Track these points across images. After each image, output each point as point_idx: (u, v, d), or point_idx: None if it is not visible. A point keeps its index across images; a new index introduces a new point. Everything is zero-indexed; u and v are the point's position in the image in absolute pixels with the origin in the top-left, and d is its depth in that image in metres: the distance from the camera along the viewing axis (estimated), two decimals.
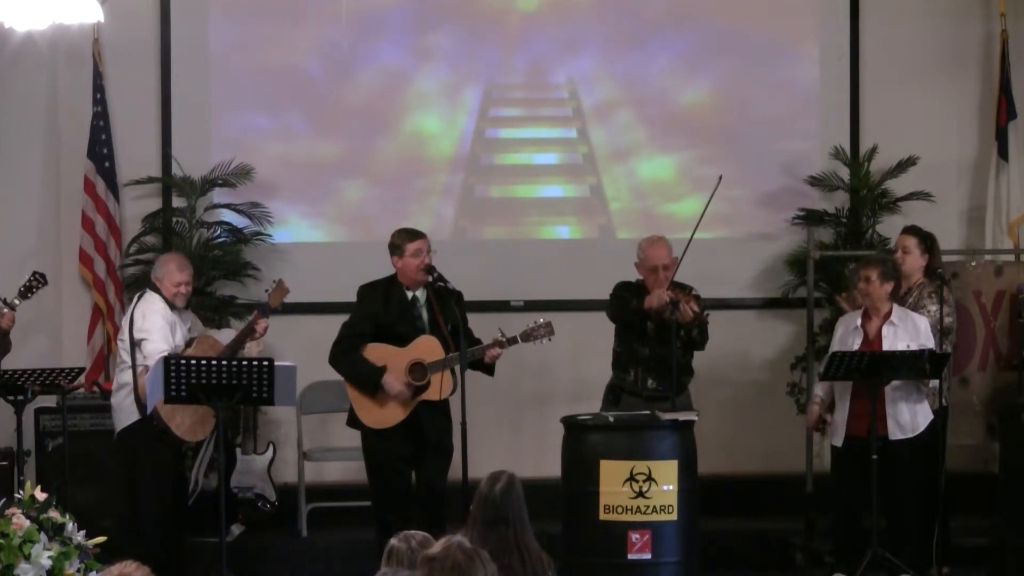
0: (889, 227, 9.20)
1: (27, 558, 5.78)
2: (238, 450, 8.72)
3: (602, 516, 7.18)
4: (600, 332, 8.21)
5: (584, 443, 7.39)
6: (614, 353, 8.08)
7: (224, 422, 7.57)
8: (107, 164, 9.19)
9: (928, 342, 7.64)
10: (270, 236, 9.35)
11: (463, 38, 9.64)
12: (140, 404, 7.54)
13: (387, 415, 7.61)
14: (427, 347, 7.60)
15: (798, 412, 8.90)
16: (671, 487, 7.19)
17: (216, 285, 9.18)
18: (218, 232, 9.27)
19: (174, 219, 9.30)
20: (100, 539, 6.10)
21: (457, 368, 7.50)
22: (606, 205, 9.68)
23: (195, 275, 8.07)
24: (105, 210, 9.16)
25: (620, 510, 7.17)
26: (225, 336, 7.99)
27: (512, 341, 7.66)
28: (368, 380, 7.59)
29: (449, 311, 7.58)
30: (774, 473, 9.25)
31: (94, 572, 5.87)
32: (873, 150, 9.41)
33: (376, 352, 7.63)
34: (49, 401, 8.28)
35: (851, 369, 7.51)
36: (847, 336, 7.78)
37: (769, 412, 9.32)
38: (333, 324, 7.85)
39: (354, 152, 9.56)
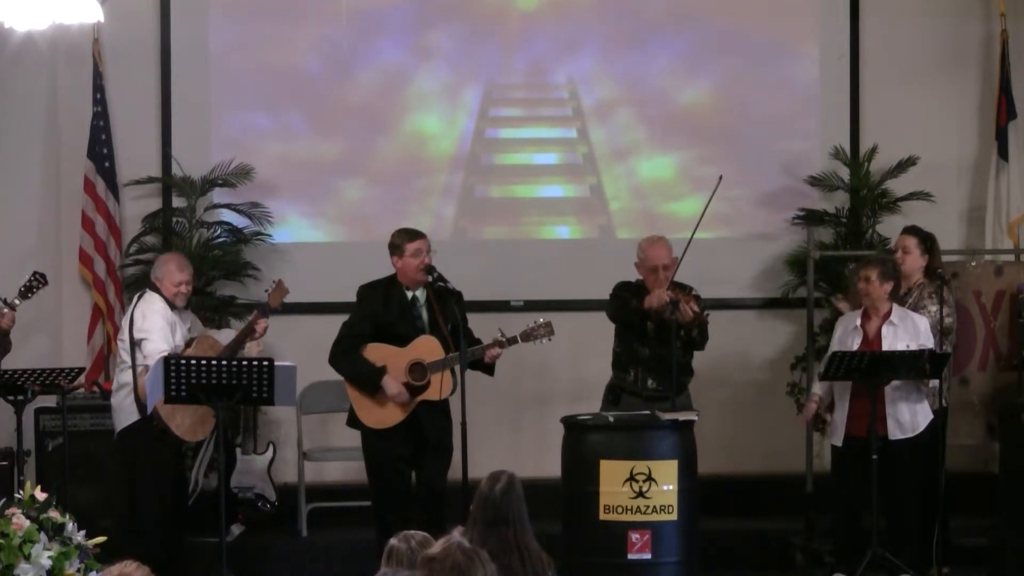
0: (889, 227, 9.20)
1: (27, 558, 5.78)
2: (238, 450, 8.72)
3: (602, 516, 7.18)
4: (600, 332, 8.21)
5: (584, 443, 7.39)
6: (614, 353, 8.08)
7: (224, 422, 7.57)
8: (107, 164, 9.19)
9: (928, 342, 7.64)
10: (270, 236, 9.35)
11: (463, 38, 9.64)
12: (140, 404, 7.54)
13: (387, 415, 7.61)
14: (427, 347, 7.60)
15: (798, 412, 8.88)
16: (671, 487, 7.19)
17: (216, 285, 9.18)
18: (218, 232, 9.27)
19: (174, 219, 9.30)
20: (100, 539, 6.11)
21: (457, 368, 7.50)
22: (606, 205, 9.68)
23: (195, 275, 8.07)
24: (105, 210, 9.16)
25: (620, 510, 7.17)
26: (225, 336, 8.00)
27: (512, 341, 7.66)
28: (368, 380, 7.59)
29: (449, 311, 7.58)
30: (774, 473, 9.25)
31: (94, 572, 5.88)
32: (873, 150, 9.41)
33: (376, 352, 7.63)
34: (49, 401, 8.28)
35: (851, 369, 7.51)
36: (846, 336, 7.77)
37: (769, 412, 9.32)
38: (333, 324, 7.85)
39: (354, 152, 9.56)
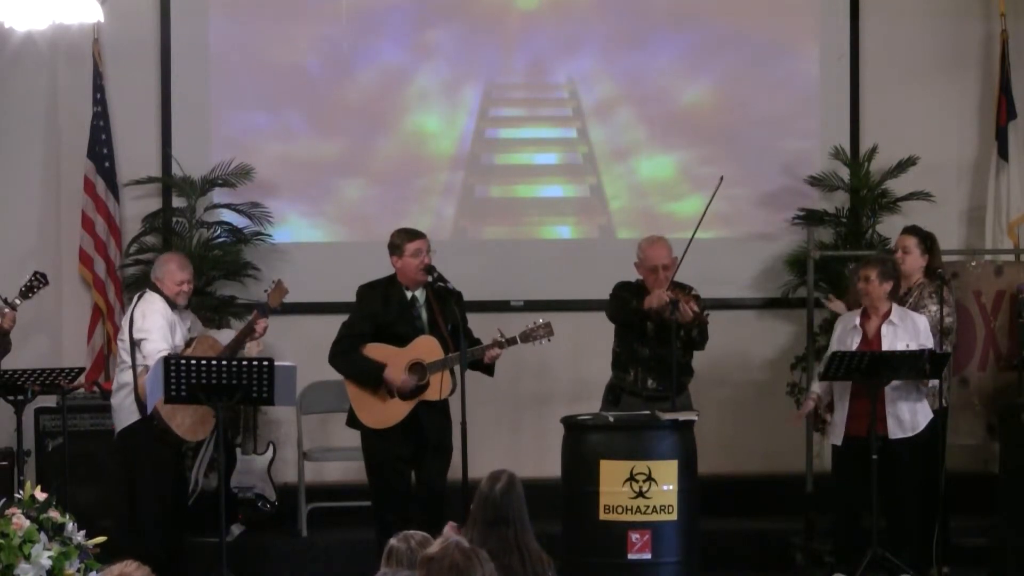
0: (889, 227, 9.20)
1: (27, 558, 5.78)
2: (238, 450, 8.72)
3: (602, 516, 7.18)
4: (600, 332, 8.21)
5: (584, 443, 7.38)
6: (614, 353, 8.08)
7: (224, 422, 7.57)
8: (107, 164, 9.19)
9: (928, 342, 7.64)
10: (270, 236, 9.35)
11: (463, 37, 9.64)
12: (140, 404, 7.54)
13: (387, 415, 7.61)
14: (426, 347, 7.60)
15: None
16: (671, 487, 7.19)
17: (216, 285, 9.18)
18: (218, 232, 9.27)
19: (174, 219, 9.30)
20: (100, 539, 6.10)
21: (456, 368, 7.50)
22: (606, 205, 9.68)
23: (195, 275, 8.07)
24: (105, 210, 9.16)
25: (620, 510, 7.16)
26: (225, 336, 7.99)
27: (511, 342, 7.65)
28: (370, 377, 7.59)
29: (449, 311, 7.58)
30: (774, 473, 9.25)
31: (94, 572, 5.88)
32: (873, 150, 9.41)
33: (375, 352, 7.63)
34: (49, 401, 8.28)
35: (851, 369, 7.50)
36: (845, 335, 7.77)
37: (769, 412, 9.32)
38: (333, 324, 7.85)
39: (354, 151, 9.56)
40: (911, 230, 8.13)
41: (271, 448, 8.81)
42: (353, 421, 7.71)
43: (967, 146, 9.73)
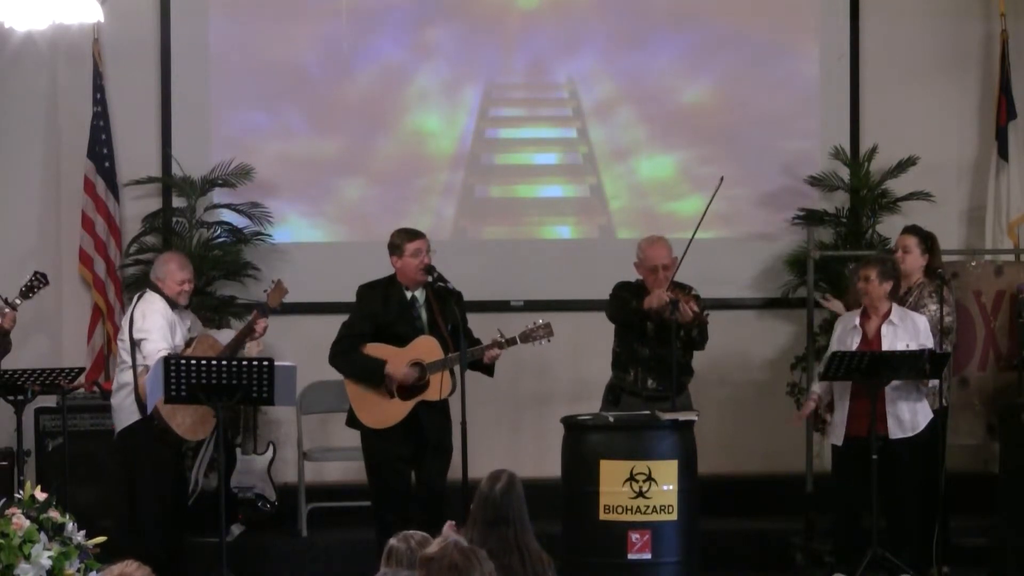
0: (889, 227, 9.20)
1: (27, 558, 5.78)
2: (238, 450, 8.72)
3: (602, 516, 7.18)
4: (600, 332, 8.21)
5: (584, 443, 7.38)
6: (614, 353, 8.07)
7: (224, 422, 7.57)
8: (107, 164, 9.19)
9: (928, 342, 7.64)
10: (270, 236, 9.35)
11: (463, 37, 9.64)
12: (140, 404, 7.54)
13: (387, 415, 7.61)
14: (426, 347, 7.60)
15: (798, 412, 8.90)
16: (671, 487, 7.19)
17: (216, 285, 9.18)
18: (218, 232, 9.27)
19: (174, 219, 9.30)
20: (100, 539, 6.10)
21: (456, 368, 7.49)
22: (606, 205, 9.68)
23: (195, 275, 8.07)
24: (105, 210, 9.16)
25: (620, 510, 7.16)
26: (225, 336, 7.99)
27: (511, 342, 7.65)
28: (371, 374, 7.58)
29: (449, 311, 7.57)
30: (774, 473, 9.25)
31: (94, 572, 5.88)
32: (873, 150, 9.41)
33: (375, 352, 7.62)
34: (49, 401, 8.28)
35: (851, 369, 7.50)
36: (845, 335, 7.77)
37: (769, 412, 9.32)
38: (333, 324, 7.84)
39: (354, 151, 9.55)
40: (911, 230, 8.13)
41: (271, 448, 8.81)
42: (353, 421, 7.71)
43: (967, 146, 9.73)
